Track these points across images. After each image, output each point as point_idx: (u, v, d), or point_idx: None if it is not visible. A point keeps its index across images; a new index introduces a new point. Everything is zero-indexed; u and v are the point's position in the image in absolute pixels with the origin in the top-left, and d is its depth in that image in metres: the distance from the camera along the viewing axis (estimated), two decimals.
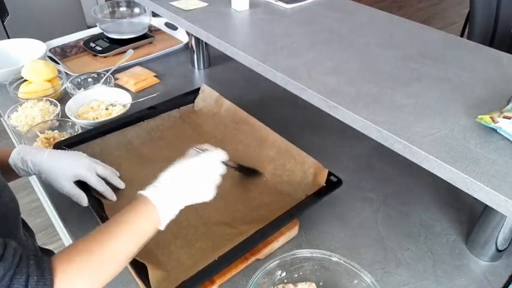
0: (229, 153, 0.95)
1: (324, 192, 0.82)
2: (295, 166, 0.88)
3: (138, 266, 0.69)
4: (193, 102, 1.11)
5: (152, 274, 0.67)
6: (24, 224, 0.71)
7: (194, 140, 1.02)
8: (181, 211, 0.82)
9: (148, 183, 0.88)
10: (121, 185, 0.87)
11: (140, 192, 0.62)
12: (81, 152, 0.86)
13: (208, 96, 1.11)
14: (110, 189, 0.84)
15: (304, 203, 0.80)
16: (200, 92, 1.12)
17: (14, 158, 0.78)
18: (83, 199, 0.81)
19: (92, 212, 0.83)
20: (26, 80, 1.24)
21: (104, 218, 0.78)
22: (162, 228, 0.62)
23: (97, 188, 0.83)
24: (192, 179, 0.66)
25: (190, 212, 0.82)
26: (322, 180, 0.83)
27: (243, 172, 0.89)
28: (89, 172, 0.82)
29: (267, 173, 0.91)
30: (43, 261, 0.50)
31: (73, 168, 0.81)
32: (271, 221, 0.76)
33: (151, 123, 1.04)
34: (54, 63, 1.34)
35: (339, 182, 0.83)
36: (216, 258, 0.69)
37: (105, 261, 0.54)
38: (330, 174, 0.84)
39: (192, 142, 1.00)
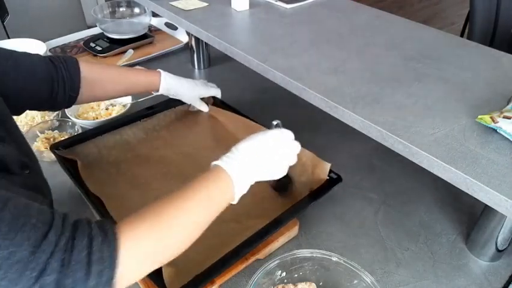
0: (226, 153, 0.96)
1: (324, 189, 0.82)
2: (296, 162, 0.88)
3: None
4: None
5: (165, 270, 0.67)
6: None
7: (191, 140, 1.02)
8: None
9: (148, 183, 0.89)
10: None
11: (216, 162, 0.61)
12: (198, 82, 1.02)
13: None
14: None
15: (304, 201, 0.80)
16: None
17: (164, 88, 0.95)
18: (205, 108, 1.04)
19: (92, 212, 0.84)
20: None
21: (104, 218, 0.78)
22: (235, 202, 0.61)
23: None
24: (271, 154, 0.64)
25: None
26: (324, 173, 0.83)
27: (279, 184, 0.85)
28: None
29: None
30: (106, 223, 0.49)
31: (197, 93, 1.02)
32: (271, 220, 0.76)
33: (148, 123, 1.04)
34: None
35: (338, 179, 0.83)
36: (216, 260, 0.69)
37: (174, 225, 0.53)
38: (329, 171, 0.84)
39: (189, 142, 1.01)
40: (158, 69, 0.96)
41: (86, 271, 0.44)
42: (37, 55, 0.76)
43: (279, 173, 0.66)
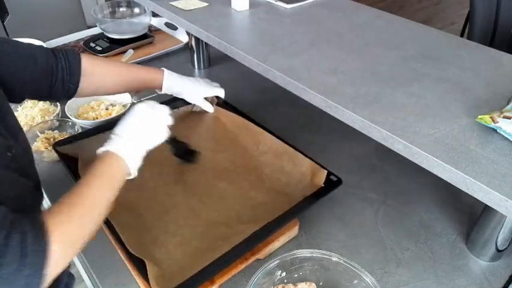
0: (228, 156, 0.96)
1: (324, 191, 0.82)
2: (293, 168, 0.88)
3: (138, 263, 0.69)
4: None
5: (151, 270, 0.67)
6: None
7: (192, 140, 1.02)
8: (178, 210, 0.83)
9: (144, 183, 0.89)
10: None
11: (101, 149, 0.66)
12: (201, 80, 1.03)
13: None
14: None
15: (304, 202, 0.80)
16: None
17: (166, 86, 0.96)
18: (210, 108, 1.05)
19: None
20: None
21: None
22: (134, 175, 0.68)
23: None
24: (145, 123, 0.71)
25: (187, 211, 0.82)
26: (320, 181, 0.83)
27: (179, 152, 0.92)
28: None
29: (265, 175, 0.91)
30: (36, 218, 0.53)
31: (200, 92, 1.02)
32: (271, 220, 0.76)
33: None
34: None
35: (339, 182, 0.83)
36: (217, 258, 0.69)
37: (88, 208, 0.59)
38: (329, 173, 0.84)
39: (190, 142, 1.01)
40: (162, 68, 0.96)
41: (20, 262, 0.48)
42: (40, 46, 0.77)
43: (161, 136, 0.73)
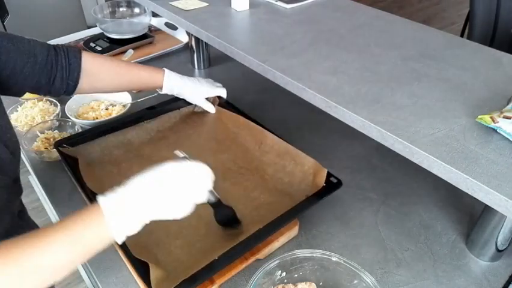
0: (229, 156, 0.96)
1: (324, 193, 0.82)
2: (295, 168, 0.88)
3: (138, 264, 0.69)
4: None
5: (153, 273, 0.67)
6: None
7: (194, 140, 1.02)
8: None
9: None
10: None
11: (99, 196, 0.52)
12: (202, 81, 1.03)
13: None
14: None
15: (304, 203, 0.80)
16: None
17: (167, 86, 0.96)
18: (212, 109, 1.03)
19: None
20: None
21: None
22: (120, 242, 0.52)
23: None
24: (168, 189, 0.55)
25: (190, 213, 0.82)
26: (321, 180, 0.83)
27: (223, 219, 0.78)
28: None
29: (268, 175, 0.91)
30: None
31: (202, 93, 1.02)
32: (271, 221, 0.76)
33: (151, 124, 1.04)
34: None
35: (339, 183, 0.83)
36: (216, 258, 0.69)
37: (24, 267, 0.46)
38: (330, 175, 0.84)
39: (192, 143, 1.01)
40: (163, 68, 0.96)
41: None
42: (42, 42, 0.79)
43: (180, 212, 0.56)
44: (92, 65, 0.82)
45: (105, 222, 0.50)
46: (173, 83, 0.96)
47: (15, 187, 0.72)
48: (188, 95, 1.00)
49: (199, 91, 1.00)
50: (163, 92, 0.97)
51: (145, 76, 0.93)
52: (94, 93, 1.08)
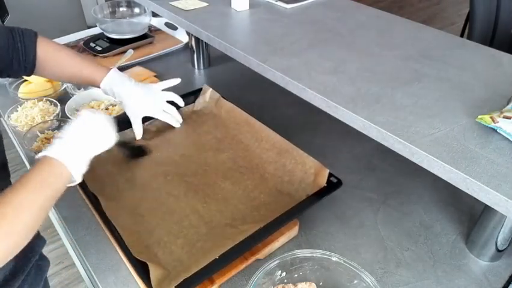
0: (229, 155, 0.96)
1: (324, 193, 0.82)
2: (296, 167, 0.88)
3: (138, 264, 0.69)
4: (194, 102, 1.11)
5: (154, 273, 0.67)
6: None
7: (193, 140, 1.02)
8: (182, 211, 0.82)
9: (148, 184, 0.89)
10: (178, 123, 1.04)
11: (40, 154, 0.62)
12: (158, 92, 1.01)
13: (209, 96, 1.11)
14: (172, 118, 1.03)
15: (304, 203, 0.80)
16: (201, 92, 1.12)
17: (105, 84, 0.92)
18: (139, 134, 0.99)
19: (91, 211, 0.84)
20: (26, 80, 1.24)
21: (104, 216, 0.78)
22: (78, 181, 0.65)
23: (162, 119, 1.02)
24: (90, 129, 0.69)
25: (191, 212, 0.82)
26: (323, 180, 0.83)
27: (131, 153, 0.95)
28: (156, 111, 1.01)
29: (268, 174, 0.91)
30: None
31: (146, 109, 0.99)
32: (271, 220, 0.76)
33: (152, 125, 1.04)
34: None
35: (339, 183, 0.83)
36: (217, 257, 0.69)
37: (12, 217, 0.54)
38: (330, 175, 0.84)
39: (192, 142, 1.01)
40: (112, 67, 0.93)
41: None
42: (0, 26, 0.80)
43: (107, 141, 0.72)
44: (45, 54, 0.83)
45: (64, 166, 0.61)
46: (111, 88, 0.92)
47: (3, 172, 0.73)
48: (127, 108, 0.97)
49: (142, 108, 0.97)
50: (101, 88, 0.93)
51: (86, 73, 0.91)
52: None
